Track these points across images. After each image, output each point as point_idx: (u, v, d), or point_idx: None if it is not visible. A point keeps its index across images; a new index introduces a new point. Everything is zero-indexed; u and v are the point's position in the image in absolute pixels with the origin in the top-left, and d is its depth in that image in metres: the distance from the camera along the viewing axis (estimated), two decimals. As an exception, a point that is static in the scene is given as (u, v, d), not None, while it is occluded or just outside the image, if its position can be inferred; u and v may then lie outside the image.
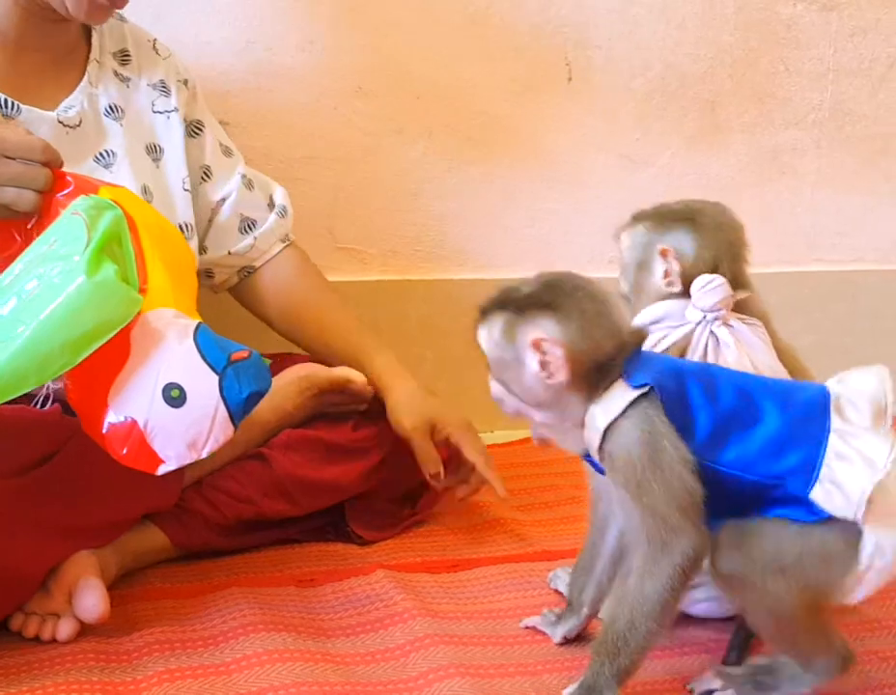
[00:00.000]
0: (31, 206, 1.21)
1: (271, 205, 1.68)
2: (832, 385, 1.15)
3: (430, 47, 2.04)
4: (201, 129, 1.63)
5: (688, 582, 1.08)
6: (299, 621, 1.28)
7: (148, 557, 1.40)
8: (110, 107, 1.51)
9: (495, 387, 1.13)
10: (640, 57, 2.17)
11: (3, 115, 1.38)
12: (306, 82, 1.97)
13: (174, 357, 1.13)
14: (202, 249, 1.61)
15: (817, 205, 2.35)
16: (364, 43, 2.00)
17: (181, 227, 1.51)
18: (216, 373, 1.13)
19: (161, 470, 1.14)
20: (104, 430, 1.14)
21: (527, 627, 1.31)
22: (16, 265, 1.17)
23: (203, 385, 1.12)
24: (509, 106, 2.11)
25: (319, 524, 1.54)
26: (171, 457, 1.14)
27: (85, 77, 1.50)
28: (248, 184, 1.66)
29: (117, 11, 1.46)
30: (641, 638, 1.07)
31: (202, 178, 1.62)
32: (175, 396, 1.12)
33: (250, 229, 1.65)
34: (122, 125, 1.51)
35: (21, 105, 1.40)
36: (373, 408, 1.58)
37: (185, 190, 1.57)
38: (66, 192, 1.23)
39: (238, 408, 1.14)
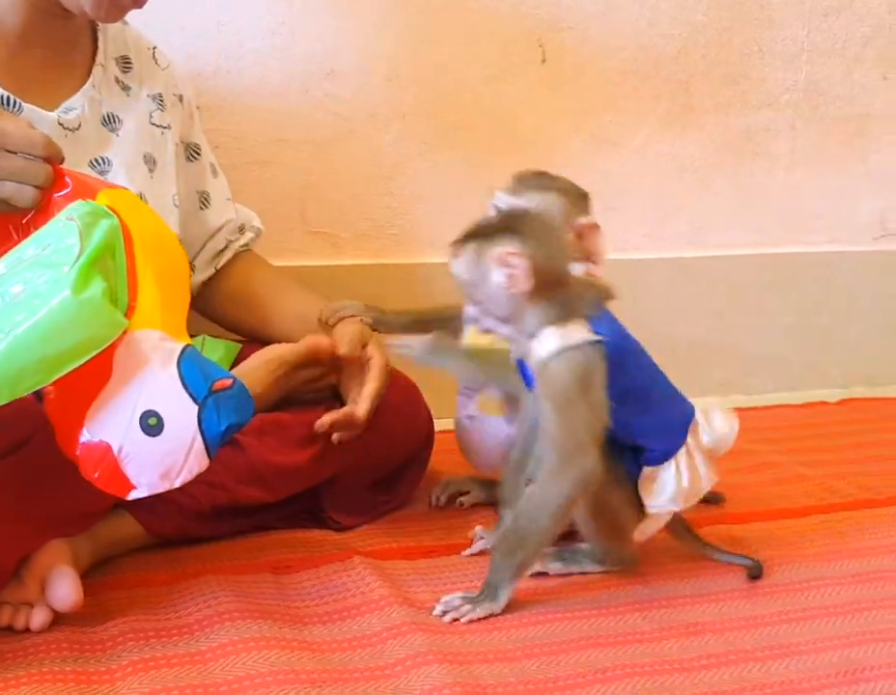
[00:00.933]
0: (30, 202, 1.19)
1: (243, 228, 1.69)
2: (697, 411, 1.41)
3: (403, 30, 2.02)
4: (199, 153, 1.63)
5: (583, 494, 1.30)
6: (275, 608, 1.27)
7: (122, 545, 1.39)
8: (108, 117, 1.49)
9: (469, 309, 1.32)
10: (614, 38, 2.16)
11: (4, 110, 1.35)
12: (277, 65, 1.95)
13: (155, 384, 1.11)
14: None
15: (791, 186, 2.35)
16: (336, 26, 1.98)
17: None
18: (196, 403, 1.11)
19: (132, 496, 1.13)
20: (78, 451, 1.12)
21: (473, 555, 1.46)
22: (3, 263, 1.15)
23: (181, 415, 1.11)
24: (482, 88, 2.10)
25: (295, 511, 1.53)
26: (143, 484, 1.13)
27: (90, 80, 1.47)
28: (234, 210, 1.68)
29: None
30: (538, 536, 1.29)
31: (201, 204, 1.63)
32: (152, 424, 1.10)
33: (226, 247, 1.67)
34: (118, 135, 1.49)
35: (23, 104, 1.37)
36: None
37: (175, 206, 1.56)
38: (64, 192, 1.20)
39: (215, 441, 1.12)
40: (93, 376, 1.11)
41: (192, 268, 1.61)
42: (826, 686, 1.15)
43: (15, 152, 1.17)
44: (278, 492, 1.48)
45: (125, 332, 1.11)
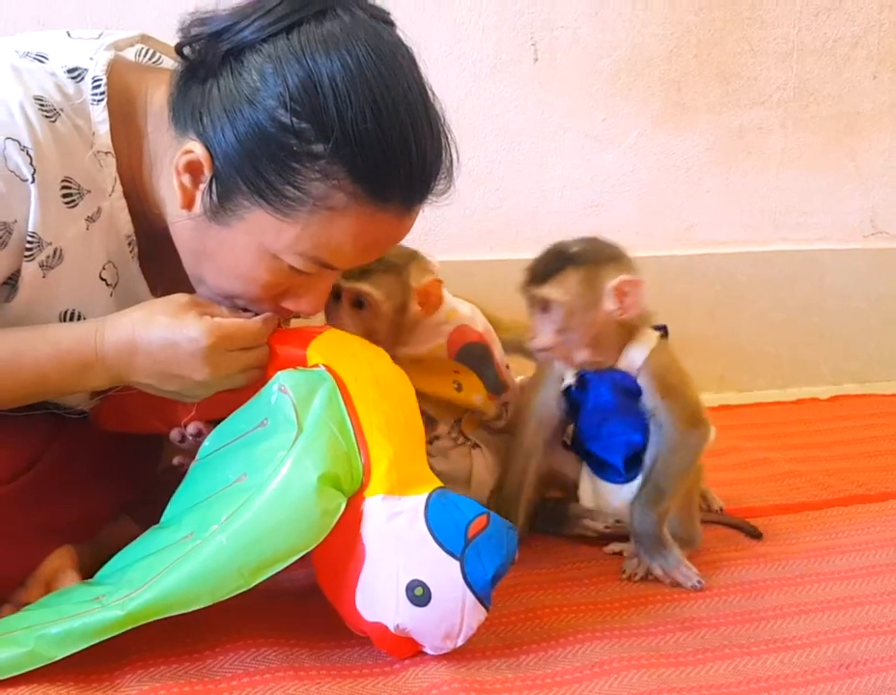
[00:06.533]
0: (256, 380, 1.20)
1: None
2: None
3: (395, 28, 2.02)
4: None
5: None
6: (291, 631, 1.21)
7: (122, 547, 1.38)
8: None
9: (548, 337, 1.36)
10: (606, 37, 2.17)
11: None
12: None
13: (410, 551, 1.10)
14: None
15: (782, 184, 2.36)
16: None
17: None
18: (456, 558, 1.09)
19: (425, 651, 1.15)
20: (363, 628, 1.14)
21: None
22: (226, 436, 1.17)
23: (445, 577, 1.09)
24: (475, 87, 2.11)
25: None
26: (427, 647, 1.14)
27: None
28: None
29: None
30: (672, 490, 1.38)
31: None
32: (419, 594, 1.09)
33: None
34: None
35: None
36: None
37: None
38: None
39: (485, 590, 1.10)
40: (349, 558, 1.11)
41: None
42: (820, 680, 1.15)
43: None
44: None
45: (361, 500, 1.11)
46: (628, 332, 1.39)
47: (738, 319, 2.35)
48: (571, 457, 1.50)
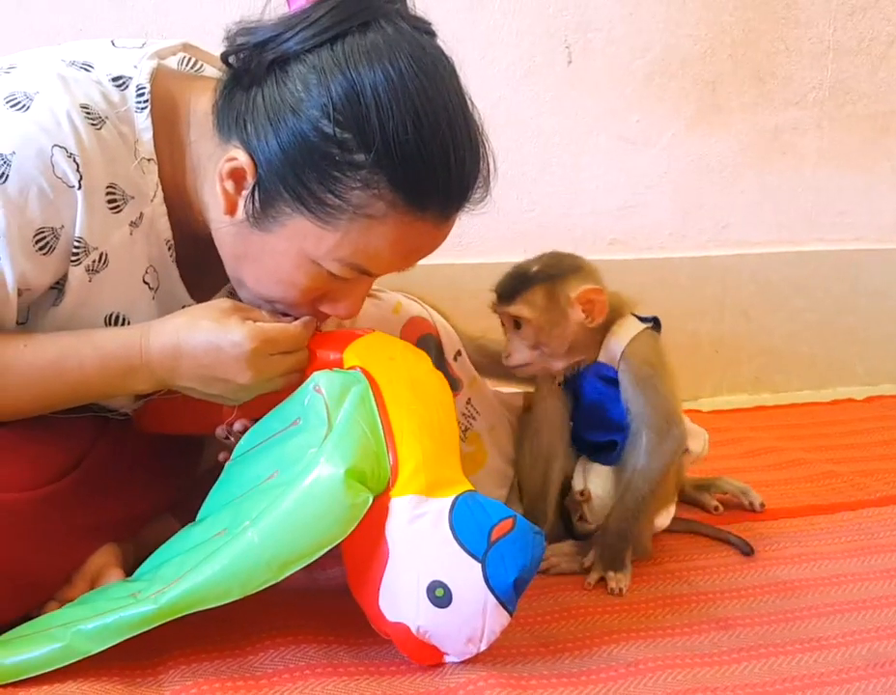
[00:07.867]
0: (295, 383, 1.22)
1: None
2: None
3: (430, 32, 2.04)
4: None
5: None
6: (330, 628, 1.23)
7: (163, 543, 1.40)
8: None
9: (523, 353, 1.41)
10: (640, 39, 2.17)
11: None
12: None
13: (432, 552, 1.09)
14: None
15: (818, 184, 2.36)
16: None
17: None
18: (478, 560, 1.08)
19: (447, 660, 1.13)
20: (387, 629, 1.13)
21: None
22: (259, 435, 1.20)
23: (466, 579, 1.08)
24: (509, 90, 2.11)
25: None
26: (451, 653, 1.13)
27: None
28: None
29: None
30: (646, 506, 1.38)
31: None
32: (440, 595, 1.08)
33: None
34: None
35: None
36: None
37: None
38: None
39: (508, 594, 1.09)
40: (373, 557, 1.11)
41: None
42: (854, 679, 1.16)
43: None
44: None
45: (388, 500, 1.10)
46: (605, 327, 1.42)
47: (772, 320, 2.35)
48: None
